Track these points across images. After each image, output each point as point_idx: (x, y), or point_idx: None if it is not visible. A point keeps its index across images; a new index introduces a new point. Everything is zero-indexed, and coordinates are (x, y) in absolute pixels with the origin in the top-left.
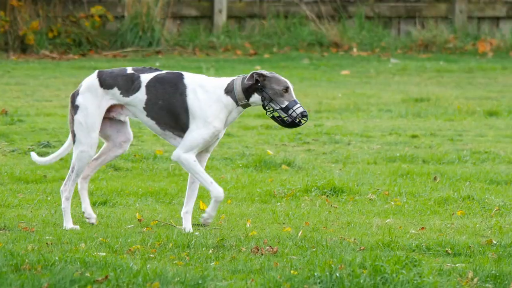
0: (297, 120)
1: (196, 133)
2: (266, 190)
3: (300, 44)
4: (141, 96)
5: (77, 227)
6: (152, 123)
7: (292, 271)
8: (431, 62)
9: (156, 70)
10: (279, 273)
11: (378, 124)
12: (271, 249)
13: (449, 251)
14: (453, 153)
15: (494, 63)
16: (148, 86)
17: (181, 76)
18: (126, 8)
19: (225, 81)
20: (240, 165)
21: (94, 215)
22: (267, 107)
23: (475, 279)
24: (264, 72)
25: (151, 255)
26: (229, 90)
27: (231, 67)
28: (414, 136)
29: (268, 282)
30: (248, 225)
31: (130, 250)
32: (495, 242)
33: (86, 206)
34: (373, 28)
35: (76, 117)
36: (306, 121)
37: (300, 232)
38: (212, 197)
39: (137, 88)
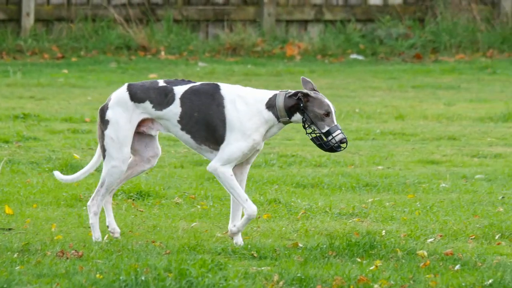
0: (335, 145)
1: (235, 146)
2: (72, 194)
3: (108, 47)
4: (175, 109)
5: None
6: (187, 137)
7: (97, 275)
8: (239, 65)
9: (189, 82)
10: (84, 277)
11: None
12: (76, 253)
13: (255, 255)
14: (260, 157)
15: (302, 67)
16: (182, 98)
17: (217, 87)
18: None
19: (266, 94)
20: (47, 169)
21: (118, 230)
22: (307, 129)
23: (281, 282)
24: (310, 92)
25: None
26: (270, 105)
27: (38, 71)
28: None
29: (74, 286)
30: (53, 229)
31: None
32: (301, 245)
33: (111, 220)
34: (181, 31)
35: (106, 132)
36: (345, 147)
37: (106, 236)
38: (246, 214)
39: (171, 101)
